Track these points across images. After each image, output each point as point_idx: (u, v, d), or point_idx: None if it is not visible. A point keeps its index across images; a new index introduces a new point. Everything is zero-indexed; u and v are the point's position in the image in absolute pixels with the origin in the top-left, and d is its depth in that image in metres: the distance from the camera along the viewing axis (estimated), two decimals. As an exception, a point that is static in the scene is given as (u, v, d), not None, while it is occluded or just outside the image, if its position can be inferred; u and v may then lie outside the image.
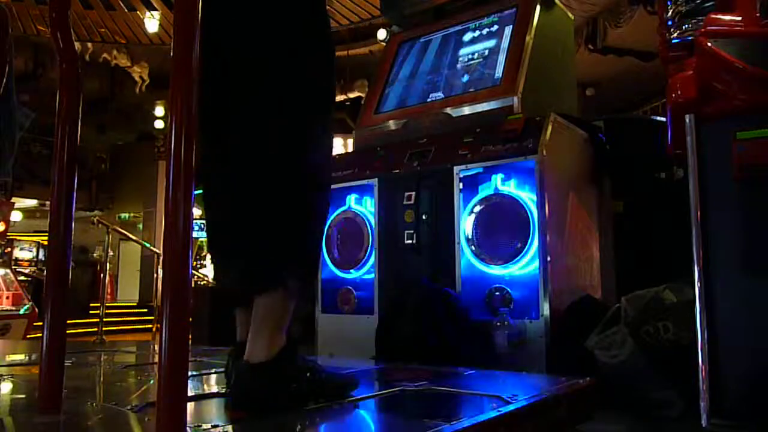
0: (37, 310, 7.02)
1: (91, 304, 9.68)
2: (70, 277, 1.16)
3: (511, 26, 2.71)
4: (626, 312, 1.95)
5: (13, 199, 11.14)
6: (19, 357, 2.45)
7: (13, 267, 9.59)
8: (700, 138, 1.70)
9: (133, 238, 7.47)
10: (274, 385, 1.19)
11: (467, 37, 2.89)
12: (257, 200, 1.27)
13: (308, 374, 1.25)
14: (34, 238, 13.29)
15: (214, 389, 1.51)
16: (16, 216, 12.41)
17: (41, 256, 12.36)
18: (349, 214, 2.76)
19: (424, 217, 2.49)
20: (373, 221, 2.67)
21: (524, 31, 2.62)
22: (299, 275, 1.26)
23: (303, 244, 1.29)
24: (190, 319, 0.87)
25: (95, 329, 5.46)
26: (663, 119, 2.39)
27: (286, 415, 1.18)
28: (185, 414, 0.82)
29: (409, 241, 2.50)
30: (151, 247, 7.66)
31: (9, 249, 11.22)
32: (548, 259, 2.16)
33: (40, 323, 1.17)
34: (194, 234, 0.88)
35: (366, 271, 2.70)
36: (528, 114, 2.38)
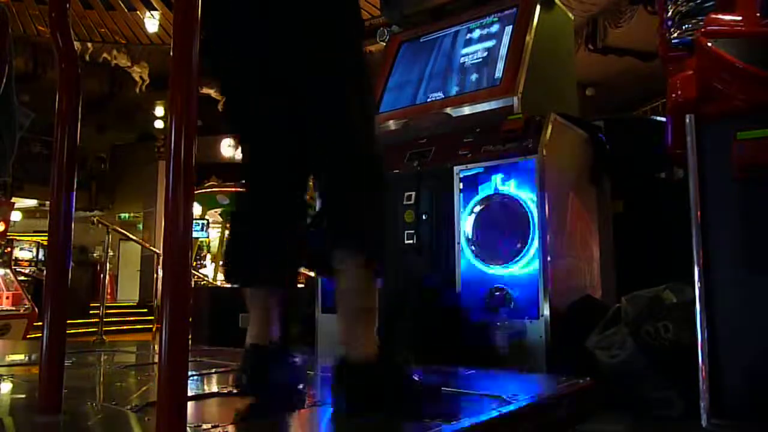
0: (37, 310, 7.02)
1: (91, 304, 9.67)
2: (70, 277, 1.16)
3: (511, 26, 2.71)
4: (626, 312, 1.95)
5: (13, 199, 11.14)
6: (19, 357, 2.45)
7: (13, 267, 9.58)
8: (700, 138, 1.70)
9: (133, 238, 7.49)
10: (377, 387, 1.20)
11: (467, 37, 2.89)
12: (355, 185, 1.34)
13: (405, 376, 1.27)
14: (34, 238, 13.29)
15: (214, 389, 1.51)
16: (16, 216, 12.41)
17: (41, 256, 12.36)
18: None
19: (424, 217, 2.49)
20: (373, 221, 2.66)
21: (524, 31, 2.61)
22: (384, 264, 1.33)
23: (385, 238, 1.38)
24: (190, 319, 0.86)
25: (95, 329, 5.46)
26: (663, 119, 2.39)
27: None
28: (185, 414, 0.82)
29: (409, 241, 2.50)
30: (151, 247, 7.67)
31: (9, 249, 11.21)
32: (548, 259, 2.16)
33: (40, 323, 1.17)
34: (194, 234, 0.88)
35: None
36: (528, 114, 2.38)
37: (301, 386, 1.33)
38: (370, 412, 1.18)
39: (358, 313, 1.26)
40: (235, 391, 1.38)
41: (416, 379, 1.28)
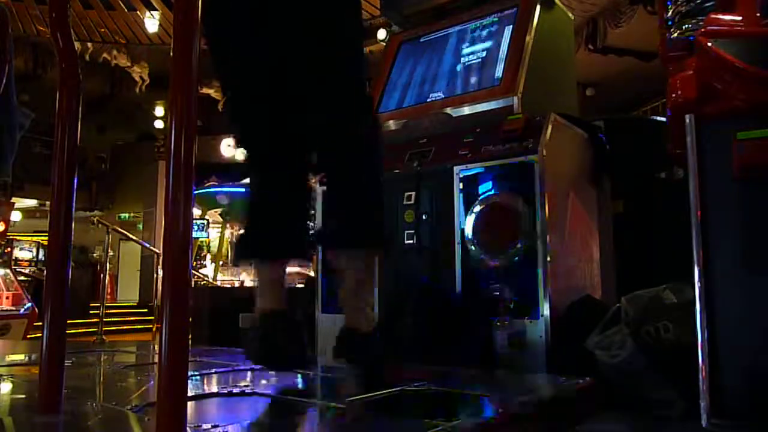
0: (37, 310, 7.02)
1: (91, 304, 9.68)
2: (70, 277, 1.16)
3: (511, 26, 2.71)
4: (626, 312, 1.95)
5: (13, 199, 11.13)
6: (19, 357, 2.45)
7: (13, 267, 9.59)
8: (700, 138, 1.70)
9: (133, 238, 7.48)
10: (380, 351, 1.53)
11: (467, 37, 2.89)
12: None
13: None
14: (34, 238, 13.30)
15: (214, 389, 1.51)
16: (16, 216, 12.42)
17: (41, 256, 12.37)
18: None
19: (424, 217, 2.49)
20: (373, 221, 2.66)
21: (524, 31, 2.61)
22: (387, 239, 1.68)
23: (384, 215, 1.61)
24: (190, 319, 0.86)
25: (95, 329, 5.47)
26: (663, 119, 2.39)
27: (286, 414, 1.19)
28: (185, 414, 0.82)
29: (409, 241, 2.50)
30: (151, 247, 7.67)
31: (9, 249, 11.22)
32: (548, 259, 2.16)
33: (40, 323, 1.17)
34: (194, 234, 0.88)
35: (366, 271, 2.69)
36: (528, 114, 2.38)
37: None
38: (372, 368, 1.47)
39: (361, 286, 1.52)
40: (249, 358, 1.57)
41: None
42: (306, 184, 1.64)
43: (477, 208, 2.35)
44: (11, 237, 11.20)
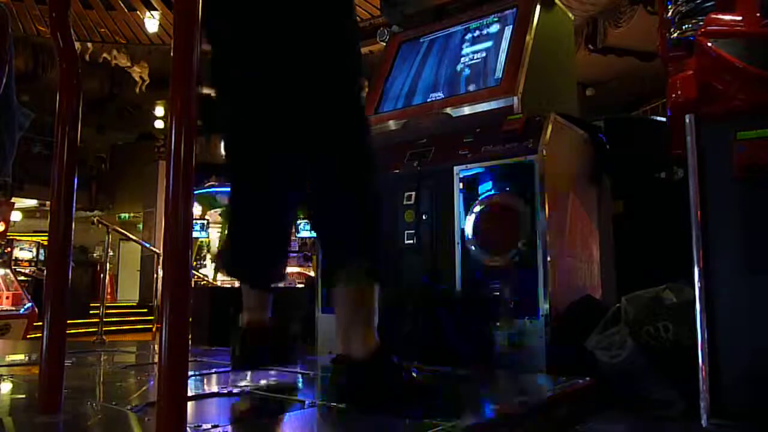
0: (37, 310, 7.02)
1: (91, 304, 9.67)
2: (70, 277, 1.16)
3: (511, 26, 2.71)
4: (626, 312, 1.95)
5: (13, 199, 11.13)
6: (19, 357, 2.45)
7: (13, 267, 9.59)
8: (700, 138, 1.70)
9: (133, 238, 7.48)
10: (377, 383, 1.22)
11: (467, 37, 2.89)
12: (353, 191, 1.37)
13: (404, 374, 1.28)
14: (34, 238, 13.30)
15: (214, 389, 1.51)
16: (16, 216, 12.42)
17: (41, 256, 12.37)
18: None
19: (424, 217, 2.49)
20: (373, 221, 2.66)
21: (524, 31, 2.61)
22: (382, 268, 1.35)
23: (381, 242, 1.39)
24: (190, 319, 0.86)
25: (95, 329, 5.46)
26: (663, 119, 2.39)
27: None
28: (185, 414, 0.82)
29: (409, 241, 2.50)
30: (151, 247, 7.67)
31: (9, 249, 11.22)
32: (548, 259, 2.16)
33: (40, 323, 1.17)
34: (194, 234, 0.88)
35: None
36: (528, 114, 2.38)
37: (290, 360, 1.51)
38: (366, 408, 1.19)
39: (358, 311, 1.28)
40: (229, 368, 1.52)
41: (415, 377, 1.29)
42: (292, 202, 1.54)
43: (477, 208, 2.35)
44: (11, 237, 11.21)
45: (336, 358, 1.29)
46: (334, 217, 1.36)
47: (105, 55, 9.78)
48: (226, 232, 1.66)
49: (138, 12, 9.07)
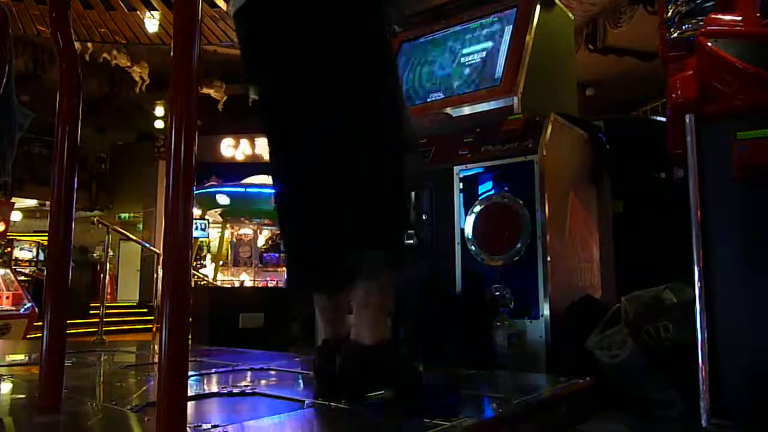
0: (37, 310, 7.02)
1: (91, 304, 9.67)
2: (70, 277, 1.16)
3: (511, 26, 2.71)
4: (626, 312, 1.95)
5: (13, 199, 11.15)
6: (19, 357, 2.45)
7: (13, 267, 9.59)
8: (700, 138, 1.70)
9: (133, 238, 7.47)
10: (373, 370, 1.23)
11: (467, 37, 2.89)
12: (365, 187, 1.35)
13: (411, 367, 1.30)
14: (34, 238, 13.29)
15: (214, 389, 1.51)
16: (16, 216, 12.41)
17: (41, 256, 12.36)
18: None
19: (424, 217, 2.49)
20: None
21: (524, 31, 2.61)
22: (397, 262, 1.38)
23: (399, 235, 1.41)
24: (190, 319, 0.86)
25: (95, 329, 5.46)
26: (663, 119, 2.39)
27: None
28: (185, 414, 0.82)
29: (409, 241, 2.50)
30: (151, 247, 7.67)
31: (9, 249, 11.22)
32: (548, 259, 2.16)
33: (40, 323, 1.17)
34: (194, 234, 0.88)
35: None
36: (528, 114, 2.38)
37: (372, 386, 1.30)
38: (358, 396, 1.21)
39: (369, 304, 1.30)
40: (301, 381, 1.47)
41: (420, 373, 1.30)
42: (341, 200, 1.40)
43: (477, 208, 2.35)
44: (11, 237, 11.21)
45: (327, 339, 1.32)
46: (352, 202, 1.35)
47: (105, 55, 9.77)
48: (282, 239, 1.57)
49: (138, 12, 9.05)
